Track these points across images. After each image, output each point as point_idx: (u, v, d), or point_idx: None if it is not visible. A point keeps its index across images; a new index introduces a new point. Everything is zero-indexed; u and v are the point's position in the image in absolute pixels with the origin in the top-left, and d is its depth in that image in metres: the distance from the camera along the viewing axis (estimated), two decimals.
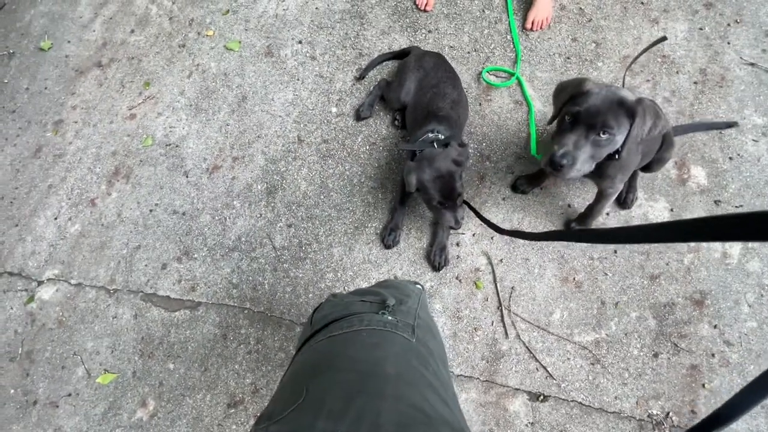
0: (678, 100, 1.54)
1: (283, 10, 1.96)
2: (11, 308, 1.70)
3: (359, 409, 0.46)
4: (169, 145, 1.83)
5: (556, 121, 1.12)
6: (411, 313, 0.71)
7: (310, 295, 1.53)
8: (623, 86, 1.07)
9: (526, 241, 1.47)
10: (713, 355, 1.29)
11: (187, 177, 1.76)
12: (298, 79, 1.83)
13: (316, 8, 1.93)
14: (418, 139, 1.36)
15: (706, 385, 1.26)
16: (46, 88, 2.04)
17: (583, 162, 1.04)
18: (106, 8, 2.14)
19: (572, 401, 1.29)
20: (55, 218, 1.80)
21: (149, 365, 1.54)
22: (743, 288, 1.33)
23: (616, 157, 1.07)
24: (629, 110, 0.99)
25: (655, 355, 1.31)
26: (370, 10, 1.89)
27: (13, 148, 1.96)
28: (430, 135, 1.36)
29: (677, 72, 1.57)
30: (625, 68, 1.57)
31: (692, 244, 1.40)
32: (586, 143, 1.03)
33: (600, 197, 1.30)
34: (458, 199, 1.28)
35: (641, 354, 1.31)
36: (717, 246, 1.39)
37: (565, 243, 1.45)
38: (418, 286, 1.32)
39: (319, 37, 1.88)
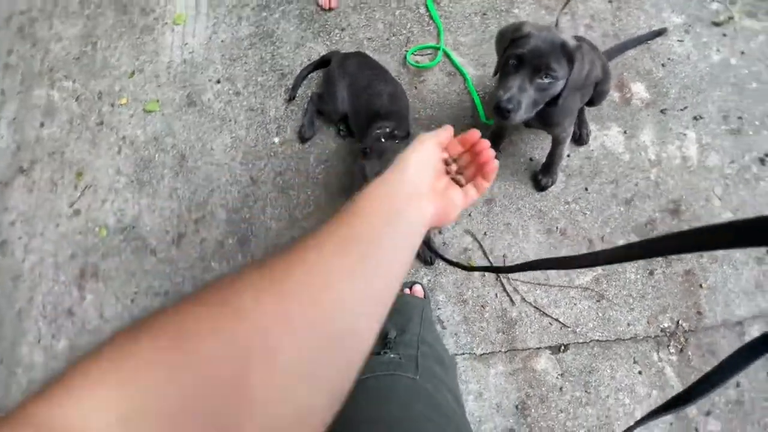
0: (599, 23, 1.55)
1: (190, 54, 1.86)
2: None
3: None
4: (125, 229, 1.75)
5: (500, 71, 1.11)
6: (413, 342, 0.72)
7: None
8: (557, 27, 1.07)
9: (504, 207, 1.48)
10: (701, 255, 1.35)
11: (155, 255, 1.70)
12: (230, 120, 1.76)
13: (222, 41, 1.84)
14: (370, 136, 1.34)
15: (703, 285, 1.33)
16: None
17: (528, 105, 1.05)
18: (5, 110, 2.00)
19: (591, 341, 1.35)
20: (38, 341, 1.72)
21: None
22: (710, 184, 1.39)
23: (555, 103, 1.08)
24: (569, 54, 0.99)
25: (651, 273, 1.36)
26: (276, 26, 1.81)
27: None
28: (377, 131, 1.34)
29: None
30: (543, 11, 1.56)
31: (653, 157, 1.45)
32: (531, 86, 1.03)
33: (556, 143, 1.31)
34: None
35: (638, 277, 1.37)
36: (676, 153, 1.43)
37: (538, 195, 1.48)
38: (420, 286, 1.32)
39: (235, 70, 1.80)
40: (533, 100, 1.05)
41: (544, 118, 1.14)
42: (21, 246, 1.83)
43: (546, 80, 1.02)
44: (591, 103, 1.34)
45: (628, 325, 1.34)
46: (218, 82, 1.81)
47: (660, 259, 1.37)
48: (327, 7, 1.78)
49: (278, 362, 0.25)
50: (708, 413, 1.26)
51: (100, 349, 0.24)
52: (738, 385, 1.26)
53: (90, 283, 1.73)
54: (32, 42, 2.04)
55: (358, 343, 0.30)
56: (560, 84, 1.04)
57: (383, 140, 1.28)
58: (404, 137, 1.27)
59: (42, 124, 1.94)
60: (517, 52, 1.02)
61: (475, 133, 0.50)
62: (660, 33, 1.50)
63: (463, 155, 0.50)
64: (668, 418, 1.29)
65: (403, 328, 0.77)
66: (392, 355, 0.67)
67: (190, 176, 1.74)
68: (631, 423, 0.45)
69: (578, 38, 1.08)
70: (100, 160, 1.84)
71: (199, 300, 0.26)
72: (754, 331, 1.29)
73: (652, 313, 1.34)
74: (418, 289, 1.43)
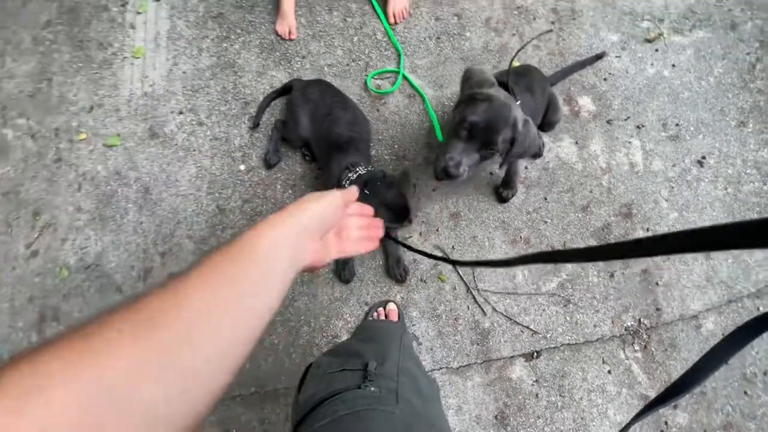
0: (544, 43, 1.66)
1: (150, 86, 1.86)
2: None
3: None
4: (88, 267, 1.69)
5: (452, 129, 1.15)
6: (392, 373, 0.72)
7: (294, 356, 1.50)
8: (510, 69, 1.16)
9: (470, 221, 1.53)
10: None
11: (121, 292, 1.65)
12: (194, 150, 1.75)
13: (183, 72, 1.85)
14: (340, 179, 1.33)
15: (659, 282, 1.41)
16: None
17: (469, 170, 1.14)
18: None
19: (561, 346, 1.39)
20: None
21: None
22: (656, 187, 1.48)
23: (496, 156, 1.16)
24: (515, 130, 1.07)
25: (611, 276, 1.43)
26: (237, 56, 1.84)
27: None
28: (352, 175, 1.32)
29: (534, 18, 1.68)
30: (492, 32, 1.66)
31: (603, 165, 1.54)
32: (474, 155, 1.12)
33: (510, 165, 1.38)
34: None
35: (600, 279, 1.43)
36: (624, 159, 1.53)
37: (501, 207, 1.54)
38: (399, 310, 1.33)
39: (198, 100, 1.81)
40: (474, 163, 1.14)
41: None
42: None
43: (489, 152, 1.11)
44: (543, 129, 1.42)
45: (595, 326, 1.40)
46: (181, 113, 1.80)
47: (618, 261, 1.44)
48: (287, 37, 1.82)
49: (134, 410, 0.25)
50: (675, 407, 1.31)
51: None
52: None
53: (51, 327, 1.65)
54: None
55: (213, 382, 0.31)
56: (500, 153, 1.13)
57: (366, 191, 1.26)
58: (375, 171, 1.29)
59: None
60: (472, 120, 1.06)
61: (369, 210, 0.60)
62: (600, 57, 1.61)
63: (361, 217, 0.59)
64: None
65: (383, 358, 0.77)
66: (372, 389, 0.68)
67: (155, 209, 1.71)
68: (606, 423, 0.47)
69: (528, 66, 1.15)
70: (59, 198, 1.78)
71: (61, 346, 0.25)
72: (709, 324, 1.36)
73: (615, 313, 1.40)
74: (392, 308, 1.44)
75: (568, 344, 1.39)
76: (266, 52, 1.83)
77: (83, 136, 1.84)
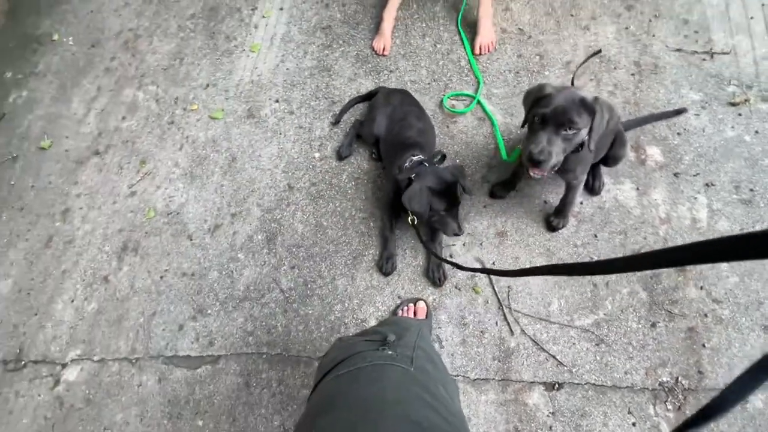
0: (621, 91, 1.71)
1: (258, 76, 2.16)
2: (39, 395, 1.75)
3: None
4: (171, 213, 1.96)
5: (527, 125, 1.26)
6: (410, 345, 0.77)
7: (322, 329, 1.60)
8: (573, 86, 1.23)
9: (515, 242, 1.57)
10: (706, 315, 1.36)
11: (191, 240, 1.88)
12: (280, 134, 2.00)
13: (287, 69, 2.14)
14: (402, 165, 1.49)
15: (706, 345, 1.33)
16: (50, 183, 2.20)
17: (557, 155, 1.18)
18: (97, 102, 2.35)
19: (586, 384, 1.35)
20: (72, 301, 1.89)
21: (179, 426, 1.58)
22: None
23: (580, 149, 1.21)
24: (589, 107, 1.14)
25: (653, 325, 1.38)
26: (335, 62, 2.09)
27: (26, 242, 2.08)
28: (414, 158, 1.49)
29: (615, 68, 1.75)
30: (571, 75, 1.75)
31: (663, 215, 1.52)
32: (557, 138, 1.17)
33: (568, 189, 1.42)
34: (458, 207, 1.39)
35: (640, 326, 1.39)
36: (686, 214, 1.50)
37: (549, 235, 1.56)
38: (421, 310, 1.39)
39: (293, 93, 2.07)
40: (561, 149, 1.18)
41: (560, 165, 1.27)
42: (80, 215, 2.07)
43: (571, 132, 1.16)
44: (606, 163, 1.46)
45: (626, 373, 1.34)
46: (277, 101, 2.07)
47: (663, 312, 1.39)
48: (380, 53, 2.05)
49: None
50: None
51: None
52: None
53: (129, 257, 1.92)
54: (132, 53, 2.44)
55: None
56: (583, 132, 1.18)
57: (426, 165, 1.44)
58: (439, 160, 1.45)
59: (124, 118, 2.26)
60: (541, 112, 1.17)
61: None
62: (680, 112, 1.62)
63: None
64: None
65: (401, 336, 0.83)
66: (389, 352, 0.73)
67: (236, 176, 1.96)
68: None
69: (597, 97, 1.22)
70: (164, 152, 2.10)
71: None
72: (758, 402, 1.25)
73: (651, 365, 1.34)
74: (422, 306, 1.50)
75: (594, 384, 1.34)
76: (360, 63, 2.06)
77: (195, 106, 2.18)
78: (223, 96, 2.16)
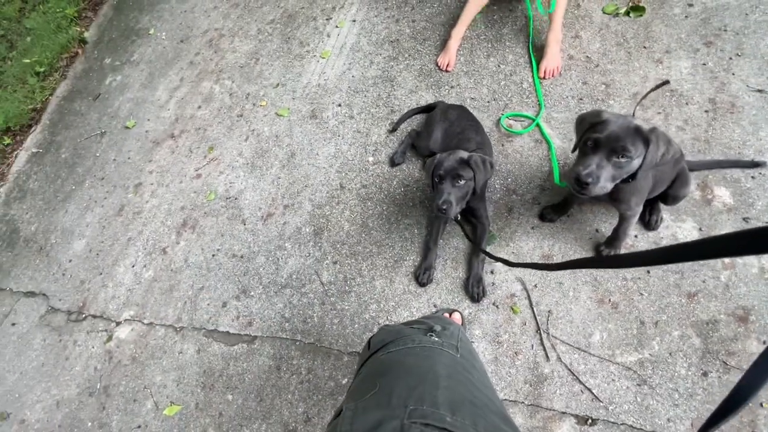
0: (691, 128, 1.64)
1: (324, 80, 2.29)
2: (93, 347, 1.92)
3: (420, 393, 0.57)
4: (229, 198, 2.10)
5: (578, 150, 1.25)
6: (454, 336, 0.81)
7: (356, 325, 1.64)
8: (633, 116, 1.21)
9: None
10: None
11: (244, 225, 2.00)
12: (338, 136, 2.10)
13: (353, 76, 2.25)
14: None
15: (764, 404, 1.22)
16: (129, 158, 2.43)
17: (605, 180, 1.15)
18: (178, 91, 2.58)
19: (622, 424, 1.28)
20: (133, 266, 2.06)
21: (210, 397, 1.67)
22: None
23: (630, 180, 1.18)
24: (644, 137, 1.12)
25: (705, 374, 1.29)
26: (399, 74, 2.18)
27: (101, 208, 2.31)
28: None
29: (687, 103, 1.69)
30: (635, 104, 1.71)
31: (727, 260, 1.43)
32: (608, 164, 1.15)
33: (622, 220, 1.38)
34: (456, 180, 1.39)
35: (689, 373, 1.30)
36: (754, 261, 1.40)
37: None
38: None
39: (355, 99, 2.17)
40: (611, 175, 1.16)
41: (613, 194, 1.24)
42: (150, 190, 2.27)
43: (623, 159, 1.14)
44: (665, 201, 1.41)
45: (669, 420, 1.26)
46: (339, 105, 2.18)
47: (718, 362, 1.30)
48: (444, 69, 2.11)
49: None
50: None
51: None
52: None
53: (187, 233, 2.07)
54: (215, 50, 2.67)
55: None
56: (636, 163, 1.15)
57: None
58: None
59: (199, 107, 2.46)
60: (594, 137, 1.15)
61: None
62: (757, 165, 1.51)
63: None
64: None
65: (445, 327, 0.87)
66: (436, 339, 0.77)
67: (293, 171, 2.07)
68: None
69: (653, 127, 1.18)
70: (230, 141, 2.27)
71: None
72: None
73: (698, 417, 1.25)
74: (457, 317, 1.50)
75: (631, 426, 1.27)
76: (422, 76, 2.13)
77: (264, 103, 2.34)
78: (290, 96, 2.31)
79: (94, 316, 1.99)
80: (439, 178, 1.42)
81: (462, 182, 1.40)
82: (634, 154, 1.13)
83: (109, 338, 1.91)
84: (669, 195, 1.39)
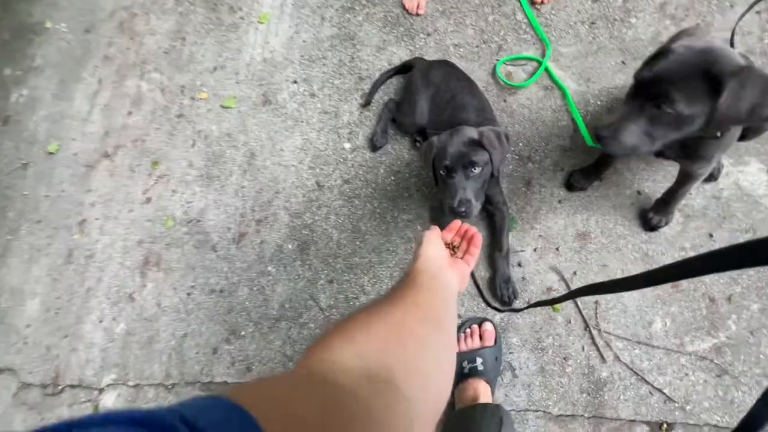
0: None
1: (270, 53, 1.85)
2: None
3: None
4: (190, 221, 1.75)
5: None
6: None
7: None
8: (732, 46, 0.86)
9: (601, 245, 1.27)
10: None
11: (215, 251, 1.68)
12: (302, 122, 1.71)
13: (303, 41, 1.81)
14: None
15: None
16: (63, 191, 2.03)
17: (632, 137, 0.85)
18: (99, 96, 2.11)
19: (705, 425, 1.09)
20: (100, 321, 1.77)
21: None
22: None
23: (718, 135, 0.86)
24: (715, 81, 0.77)
25: None
26: (358, 28, 1.74)
27: (47, 257, 1.96)
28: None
29: (732, 6, 1.32)
30: (668, 20, 1.34)
31: None
32: (639, 117, 0.84)
33: (686, 179, 1.08)
34: (469, 169, 1.10)
35: None
36: None
37: (646, 236, 1.25)
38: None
39: (313, 71, 1.76)
40: (644, 132, 0.85)
41: (687, 149, 0.93)
42: (97, 227, 1.91)
43: (667, 110, 0.81)
44: (742, 137, 1.08)
45: None
46: (295, 82, 1.77)
47: None
48: (414, 12, 1.67)
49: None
50: None
51: (344, 324, 0.43)
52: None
53: (152, 272, 1.75)
54: (130, 36, 2.15)
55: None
56: (696, 120, 0.82)
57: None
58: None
59: (129, 113, 2.02)
60: (639, 76, 0.84)
61: (456, 223, 0.82)
62: None
63: (455, 239, 0.79)
64: None
65: None
66: None
67: (258, 175, 1.71)
68: None
69: (742, 67, 0.83)
70: (176, 151, 1.87)
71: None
72: None
73: None
74: (488, 329, 1.26)
75: (716, 426, 1.08)
76: (389, 27, 1.70)
77: (204, 95, 1.90)
78: (233, 80, 1.87)
79: (72, 386, 1.73)
80: (447, 170, 1.10)
81: (477, 170, 1.09)
82: (682, 107, 0.79)
83: (95, 409, 1.67)
84: (751, 129, 1.06)
